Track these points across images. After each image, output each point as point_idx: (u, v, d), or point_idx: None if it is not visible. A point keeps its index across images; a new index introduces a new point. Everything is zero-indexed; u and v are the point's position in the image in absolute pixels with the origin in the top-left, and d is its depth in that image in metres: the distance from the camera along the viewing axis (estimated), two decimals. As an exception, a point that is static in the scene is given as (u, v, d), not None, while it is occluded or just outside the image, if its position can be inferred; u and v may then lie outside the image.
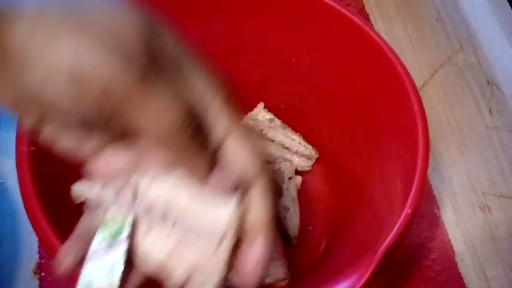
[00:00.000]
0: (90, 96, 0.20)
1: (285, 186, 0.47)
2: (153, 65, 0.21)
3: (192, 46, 0.24)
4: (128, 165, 0.26)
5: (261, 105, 0.51)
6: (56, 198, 0.33)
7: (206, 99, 0.24)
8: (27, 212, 0.31)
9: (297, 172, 0.49)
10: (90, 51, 0.19)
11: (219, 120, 0.24)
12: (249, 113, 0.51)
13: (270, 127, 0.50)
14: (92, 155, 0.25)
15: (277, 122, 0.51)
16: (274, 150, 0.49)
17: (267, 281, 0.42)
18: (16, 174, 0.32)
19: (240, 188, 0.26)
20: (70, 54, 0.19)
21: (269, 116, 0.51)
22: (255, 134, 0.25)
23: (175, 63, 0.22)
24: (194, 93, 0.23)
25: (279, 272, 0.42)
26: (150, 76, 0.21)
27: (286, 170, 0.48)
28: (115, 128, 0.22)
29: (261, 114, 0.51)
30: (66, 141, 0.24)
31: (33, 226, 0.30)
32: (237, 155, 0.25)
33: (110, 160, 0.26)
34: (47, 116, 0.22)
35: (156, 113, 0.21)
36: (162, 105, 0.21)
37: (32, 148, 0.32)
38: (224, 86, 0.25)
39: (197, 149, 0.24)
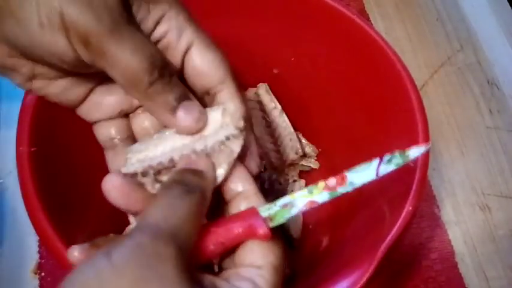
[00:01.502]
0: (73, 43, 0.24)
1: (289, 188, 0.47)
2: (125, 15, 0.24)
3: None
4: (120, 102, 0.29)
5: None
6: (56, 198, 0.33)
7: (170, 17, 0.27)
8: (28, 212, 0.31)
9: (300, 175, 0.49)
10: (72, 3, 0.23)
11: (183, 33, 0.27)
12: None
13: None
14: (81, 100, 0.29)
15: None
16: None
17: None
18: (16, 174, 0.32)
19: (208, 96, 0.29)
20: (57, 4, 0.23)
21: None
22: (217, 47, 0.29)
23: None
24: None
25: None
26: (120, 27, 0.24)
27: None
28: (96, 74, 0.26)
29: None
30: (54, 90, 0.28)
31: (34, 226, 0.30)
32: (200, 63, 0.28)
33: (99, 100, 0.29)
34: (35, 71, 0.27)
35: (122, 64, 0.24)
36: (128, 54, 0.24)
37: (33, 149, 0.32)
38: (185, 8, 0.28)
39: (164, 87, 0.26)
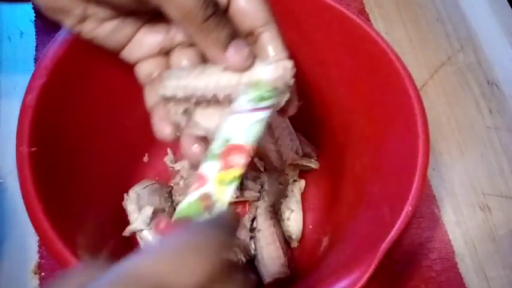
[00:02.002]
0: None
1: (289, 188, 0.47)
2: None
3: None
4: (161, 40, 0.31)
5: None
6: (56, 198, 0.33)
7: None
8: (28, 212, 0.31)
9: (300, 175, 0.49)
10: None
11: None
12: None
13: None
14: (126, 42, 0.31)
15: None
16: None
17: (268, 280, 0.42)
18: (16, 174, 0.32)
19: (252, 37, 0.29)
20: None
21: None
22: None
23: None
24: None
25: (280, 271, 0.42)
26: None
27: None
28: (146, 12, 0.28)
29: None
30: (102, 33, 0.30)
31: (34, 226, 0.30)
32: (245, 4, 0.29)
33: (141, 40, 0.31)
34: (87, 12, 0.29)
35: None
36: None
37: (33, 149, 0.32)
38: None
39: (217, 24, 0.27)
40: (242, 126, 0.27)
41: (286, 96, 0.28)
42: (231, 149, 0.26)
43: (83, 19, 0.30)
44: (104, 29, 0.30)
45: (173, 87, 0.29)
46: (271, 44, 0.29)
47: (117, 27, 0.31)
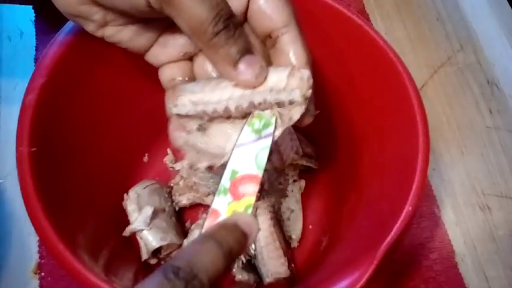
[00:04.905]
0: None
1: (289, 188, 0.47)
2: None
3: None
4: (184, 44, 0.31)
5: None
6: (56, 198, 0.33)
7: None
8: (28, 212, 0.31)
9: (300, 175, 0.49)
10: None
11: None
12: None
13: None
14: (149, 46, 0.31)
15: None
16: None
17: (268, 280, 0.42)
18: (16, 175, 0.32)
19: (270, 40, 0.28)
20: None
21: None
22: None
23: None
24: None
25: (280, 271, 0.42)
26: None
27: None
28: (164, 20, 0.27)
29: None
30: (125, 37, 0.30)
31: (34, 226, 0.30)
32: (265, 5, 0.28)
33: (165, 44, 0.31)
34: (107, 17, 0.29)
35: (188, 13, 0.25)
36: (194, 3, 0.25)
37: (33, 149, 0.32)
38: None
39: (228, 39, 0.26)
40: (249, 156, 0.27)
41: (302, 109, 0.26)
42: (241, 179, 0.27)
43: (104, 24, 0.30)
44: (126, 33, 0.30)
45: (185, 105, 0.28)
46: (291, 48, 0.28)
47: (138, 31, 0.30)
